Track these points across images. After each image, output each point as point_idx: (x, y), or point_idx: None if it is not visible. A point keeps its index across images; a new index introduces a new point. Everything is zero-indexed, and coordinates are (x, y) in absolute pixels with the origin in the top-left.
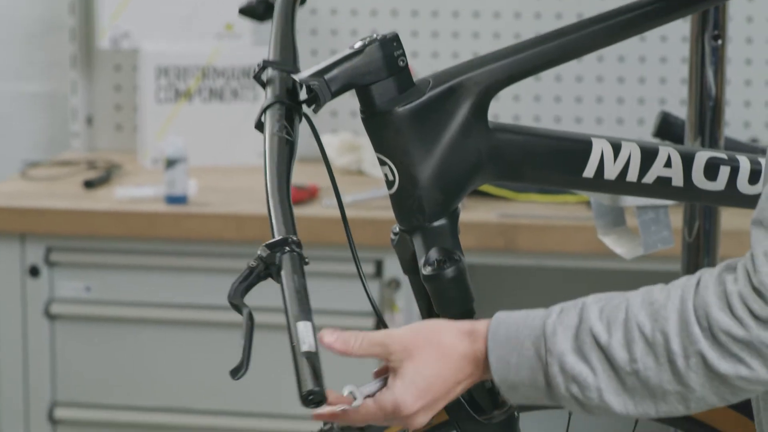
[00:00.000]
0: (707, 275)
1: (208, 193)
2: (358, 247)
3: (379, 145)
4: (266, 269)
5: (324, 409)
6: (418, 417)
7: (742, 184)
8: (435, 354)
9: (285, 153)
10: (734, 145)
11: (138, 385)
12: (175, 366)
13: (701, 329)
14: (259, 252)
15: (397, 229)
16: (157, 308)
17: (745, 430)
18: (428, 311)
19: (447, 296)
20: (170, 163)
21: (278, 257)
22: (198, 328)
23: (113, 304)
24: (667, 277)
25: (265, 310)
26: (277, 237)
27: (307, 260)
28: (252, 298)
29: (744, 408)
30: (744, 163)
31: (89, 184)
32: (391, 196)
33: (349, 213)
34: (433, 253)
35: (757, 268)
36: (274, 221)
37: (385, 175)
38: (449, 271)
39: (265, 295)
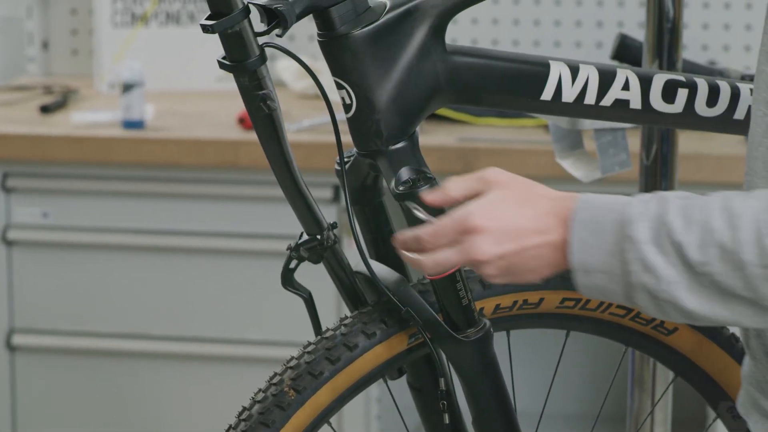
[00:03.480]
0: None
1: (166, 117)
2: (315, 172)
3: (336, 69)
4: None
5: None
6: (483, 237)
7: (700, 107)
8: (525, 194)
9: (273, 133)
10: (692, 68)
11: (96, 310)
12: (134, 291)
13: None
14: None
15: (350, 155)
16: (114, 234)
17: (711, 353)
18: (374, 244)
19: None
20: (127, 88)
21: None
22: (155, 253)
23: (70, 229)
24: None
25: (243, 237)
26: (307, 238)
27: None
28: (232, 224)
29: (713, 335)
30: (702, 85)
31: (45, 109)
32: (349, 120)
33: (306, 137)
34: (405, 172)
35: None
36: (299, 220)
37: (342, 99)
38: (425, 189)
39: (244, 221)
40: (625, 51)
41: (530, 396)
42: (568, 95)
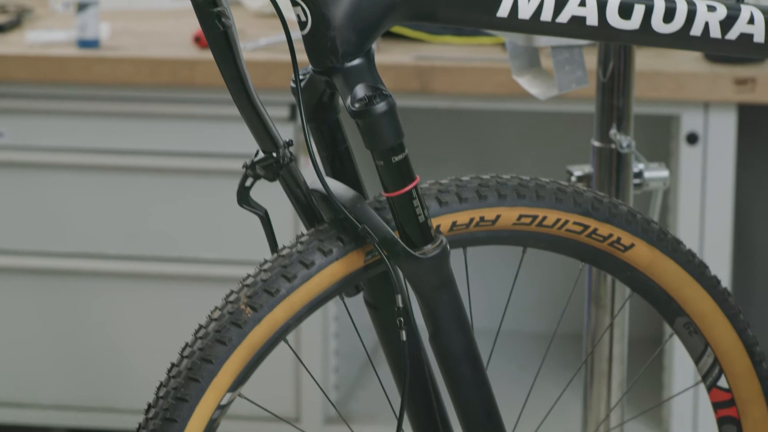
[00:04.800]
0: None
1: (121, 36)
2: (272, 91)
3: None
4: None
5: None
6: None
7: (657, 23)
8: None
9: (228, 51)
10: None
11: (52, 230)
12: (90, 211)
13: None
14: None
15: (305, 72)
16: (70, 153)
17: (667, 269)
18: (330, 162)
19: (378, 131)
20: (82, 7)
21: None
22: (111, 173)
23: (26, 149)
24: (582, 118)
25: (199, 156)
26: (262, 155)
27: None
28: (187, 143)
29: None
30: (658, 2)
31: (0, 29)
32: (304, 38)
33: (263, 56)
34: (361, 89)
35: None
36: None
37: (298, 17)
38: (381, 106)
39: (200, 140)
40: None
41: (487, 314)
42: (525, 12)
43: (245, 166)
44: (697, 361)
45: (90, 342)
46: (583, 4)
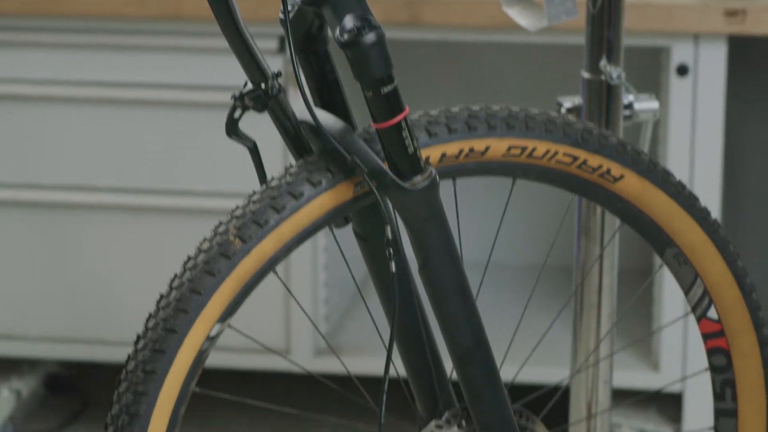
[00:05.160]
0: None
1: None
2: (261, 23)
3: None
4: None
5: None
6: None
7: None
8: None
9: None
10: None
11: (40, 163)
12: (79, 143)
13: None
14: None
15: (294, 3)
16: (58, 86)
17: (657, 200)
18: (319, 93)
19: (367, 62)
20: None
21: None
22: (100, 105)
23: (13, 81)
24: (571, 50)
25: (188, 88)
26: (251, 87)
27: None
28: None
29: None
30: None
31: None
32: None
33: None
34: (349, 20)
35: None
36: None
37: None
38: (369, 37)
39: (188, 72)
40: None
41: (477, 246)
42: None
43: (234, 98)
44: (686, 292)
45: (80, 274)
46: None
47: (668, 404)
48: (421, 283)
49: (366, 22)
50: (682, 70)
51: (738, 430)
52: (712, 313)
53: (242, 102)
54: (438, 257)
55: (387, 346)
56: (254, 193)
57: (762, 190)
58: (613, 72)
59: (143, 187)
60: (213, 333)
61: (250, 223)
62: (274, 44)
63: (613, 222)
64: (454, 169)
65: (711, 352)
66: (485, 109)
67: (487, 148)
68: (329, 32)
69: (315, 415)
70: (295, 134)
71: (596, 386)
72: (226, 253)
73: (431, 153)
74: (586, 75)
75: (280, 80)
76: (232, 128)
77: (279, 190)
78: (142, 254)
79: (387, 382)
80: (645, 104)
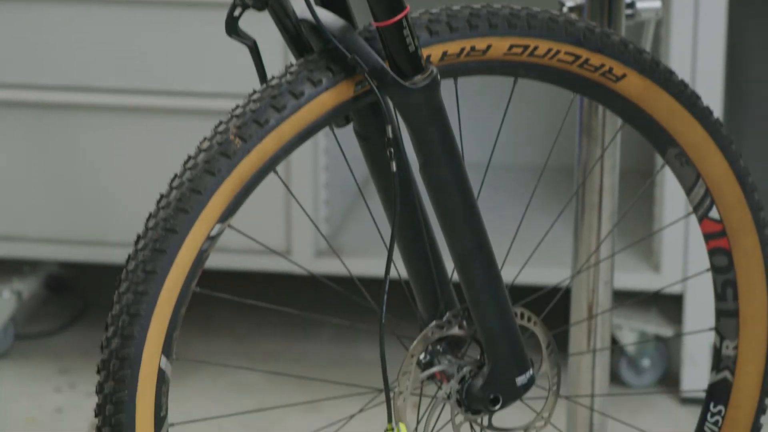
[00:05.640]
0: None
1: None
2: None
3: None
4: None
5: None
6: None
7: None
8: None
9: None
10: None
11: (39, 63)
12: (78, 43)
13: None
14: None
15: None
16: None
17: (659, 99)
18: None
19: None
20: None
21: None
22: (98, 4)
23: None
24: None
25: None
26: None
27: None
28: None
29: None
30: None
31: None
32: None
33: None
34: None
35: None
36: None
37: None
38: None
39: None
40: None
41: (478, 147)
42: None
43: None
44: (688, 192)
45: (80, 175)
46: None
47: (669, 305)
48: (422, 184)
49: None
50: None
51: (739, 331)
52: (714, 214)
53: (242, 0)
54: (439, 157)
55: (388, 246)
56: (254, 92)
57: (765, 89)
58: None
59: (143, 88)
60: (213, 233)
61: (251, 122)
62: None
63: (614, 122)
64: (455, 68)
65: (712, 253)
66: (487, 8)
67: (488, 47)
68: None
69: (316, 316)
70: (295, 33)
71: (597, 287)
72: (227, 152)
73: (432, 52)
74: None
75: None
76: (232, 27)
77: (279, 89)
78: (142, 155)
79: (387, 282)
80: (647, 3)
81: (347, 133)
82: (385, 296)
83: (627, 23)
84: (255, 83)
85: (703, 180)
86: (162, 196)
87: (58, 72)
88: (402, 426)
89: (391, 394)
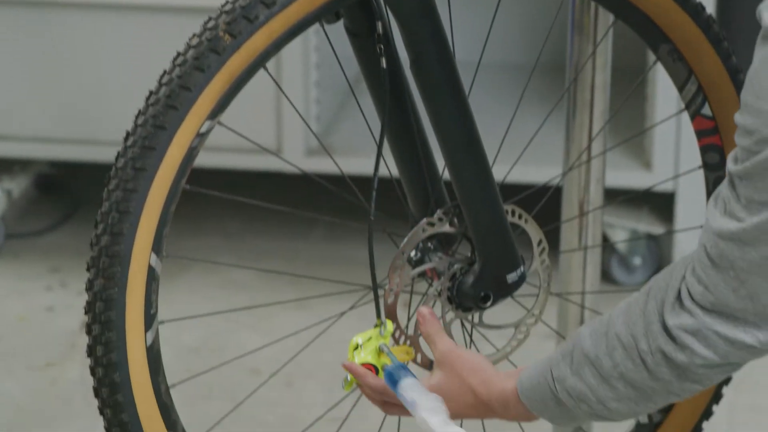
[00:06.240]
0: (664, 271)
1: None
2: None
3: None
4: None
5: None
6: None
7: None
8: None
9: None
10: None
11: None
12: None
13: (659, 325)
14: None
15: None
16: None
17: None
18: None
19: None
20: None
21: None
22: None
23: None
24: None
25: None
26: None
27: None
28: None
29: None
30: None
31: None
32: None
33: None
34: None
35: (699, 258)
36: None
37: None
38: None
39: None
40: None
41: (469, 44)
42: None
43: None
44: (680, 88)
45: (70, 73)
46: None
47: (661, 204)
48: (413, 81)
49: None
50: None
51: None
52: (706, 110)
53: None
54: (430, 53)
55: (377, 142)
56: None
57: None
58: None
59: None
60: (203, 130)
61: (240, 18)
62: None
63: (606, 18)
64: None
65: (704, 150)
66: None
67: None
68: None
69: (308, 214)
70: None
71: (588, 185)
72: (216, 48)
73: None
74: None
75: None
76: None
77: None
78: (132, 52)
79: (377, 177)
80: None
81: (338, 30)
82: (374, 193)
83: None
84: None
85: (695, 76)
86: (151, 93)
87: None
88: (389, 323)
89: (381, 292)
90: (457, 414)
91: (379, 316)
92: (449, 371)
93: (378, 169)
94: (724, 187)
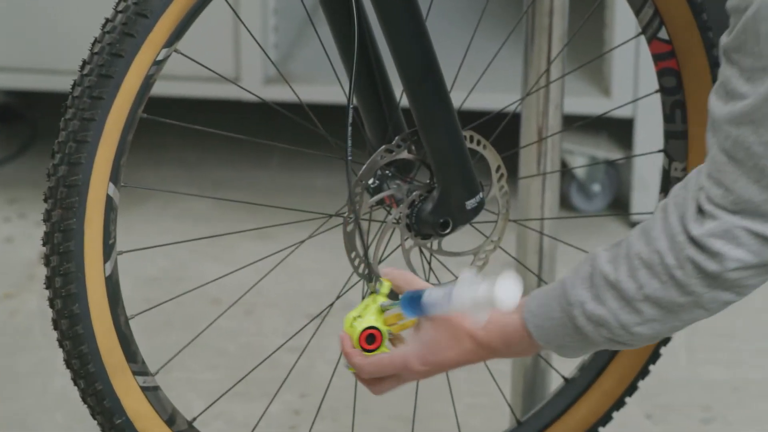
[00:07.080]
0: (677, 186)
1: None
2: None
3: None
4: None
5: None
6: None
7: None
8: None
9: None
10: None
11: None
12: None
13: (685, 236)
14: None
15: None
16: None
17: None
18: None
19: None
20: None
21: None
22: None
23: None
24: None
25: None
26: None
27: None
28: None
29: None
30: None
31: None
32: None
33: None
34: None
35: (713, 159)
36: None
37: None
38: None
39: None
40: None
41: None
42: None
43: None
44: (637, 12)
45: (27, 1)
46: None
47: (619, 130)
48: (370, 6)
49: None
50: None
51: (688, 153)
52: (663, 34)
53: None
54: None
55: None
56: None
57: None
58: None
59: None
60: (160, 57)
61: None
62: None
63: None
64: None
65: (661, 74)
66: None
67: None
68: None
69: (266, 142)
70: None
71: (547, 110)
72: (143, 12)
73: None
74: None
75: None
76: None
77: None
78: None
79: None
80: None
81: None
82: (350, 128)
83: None
84: None
85: (652, 1)
86: (107, 21)
87: None
88: (384, 281)
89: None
90: (456, 363)
91: (371, 280)
92: (439, 320)
93: (351, 102)
94: (721, 71)
